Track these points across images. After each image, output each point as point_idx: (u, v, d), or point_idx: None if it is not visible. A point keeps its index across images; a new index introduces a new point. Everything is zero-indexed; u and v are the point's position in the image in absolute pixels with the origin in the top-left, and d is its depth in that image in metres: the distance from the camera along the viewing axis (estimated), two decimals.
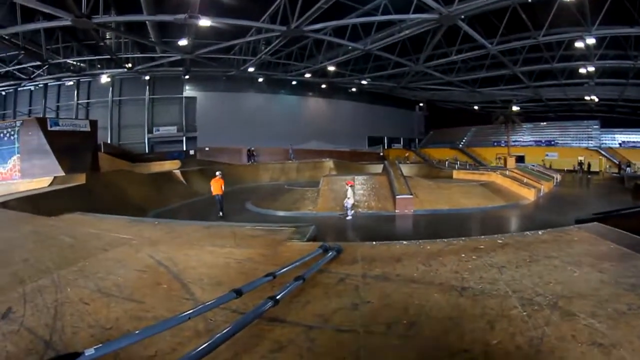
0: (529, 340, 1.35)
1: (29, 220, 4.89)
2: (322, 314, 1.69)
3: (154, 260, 2.66)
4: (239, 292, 1.69)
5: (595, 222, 2.89)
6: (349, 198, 12.32)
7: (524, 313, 1.53)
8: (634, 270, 1.87)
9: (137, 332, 1.37)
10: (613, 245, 2.30)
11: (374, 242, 2.79)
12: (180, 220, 5.37)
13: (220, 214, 13.09)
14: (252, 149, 31.28)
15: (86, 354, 1.11)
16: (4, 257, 3.01)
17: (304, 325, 1.60)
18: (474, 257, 2.28)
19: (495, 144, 42.04)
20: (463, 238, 2.78)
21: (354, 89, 40.53)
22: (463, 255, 2.33)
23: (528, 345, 1.33)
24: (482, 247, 2.48)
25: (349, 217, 12.29)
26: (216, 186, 13.21)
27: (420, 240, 2.77)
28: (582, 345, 1.29)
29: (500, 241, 2.58)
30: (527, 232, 2.76)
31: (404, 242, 2.77)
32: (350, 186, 12.59)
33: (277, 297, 1.67)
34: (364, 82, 35.22)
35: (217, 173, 13.93)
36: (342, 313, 1.69)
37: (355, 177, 15.63)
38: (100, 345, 1.20)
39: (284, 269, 2.09)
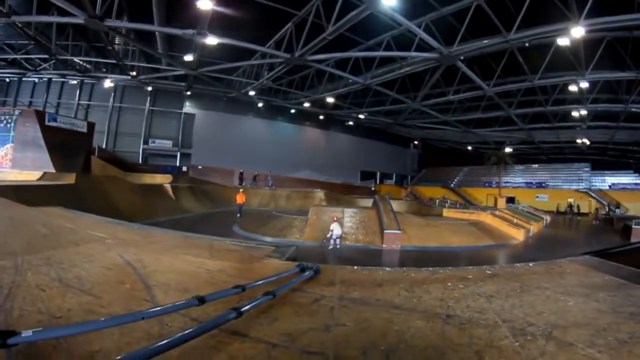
0: None
1: (8, 206, 4.81)
2: (289, 333, 1.52)
3: (123, 260, 2.54)
4: (201, 300, 1.54)
5: (587, 255, 2.80)
6: (332, 230, 12.20)
7: (516, 343, 1.38)
8: (632, 299, 1.79)
9: (82, 323, 1.26)
10: (607, 277, 2.23)
11: (355, 267, 2.64)
12: (159, 227, 5.20)
13: (238, 215, 18.66)
14: (256, 173, 31.45)
15: (22, 335, 1.05)
16: None
17: (268, 343, 1.43)
18: (460, 285, 2.14)
19: (487, 184, 42.59)
20: (450, 267, 2.64)
21: (350, 123, 41.24)
22: (449, 284, 2.19)
23: None
24: (469, 276, 2.35)
25: (331, 246, 12.07)
26: (240, 198, 19.81)
27: (404, 268, 2.63)
28: None
29: (489, 272, 2.46)
30: (518, 264, 2.65)
31: (387, 269, 2.63)
32: (336, 221, 12.47)
33: (242, 310, 1.51)
34: (361, 116, 35.88)
35: (241, 190, 21.21)
36: (312, 334, 1.52)
37: (345, 209, 15.68)
38: (40, 329, 1.10)
39: (255, 283, 1.94)
